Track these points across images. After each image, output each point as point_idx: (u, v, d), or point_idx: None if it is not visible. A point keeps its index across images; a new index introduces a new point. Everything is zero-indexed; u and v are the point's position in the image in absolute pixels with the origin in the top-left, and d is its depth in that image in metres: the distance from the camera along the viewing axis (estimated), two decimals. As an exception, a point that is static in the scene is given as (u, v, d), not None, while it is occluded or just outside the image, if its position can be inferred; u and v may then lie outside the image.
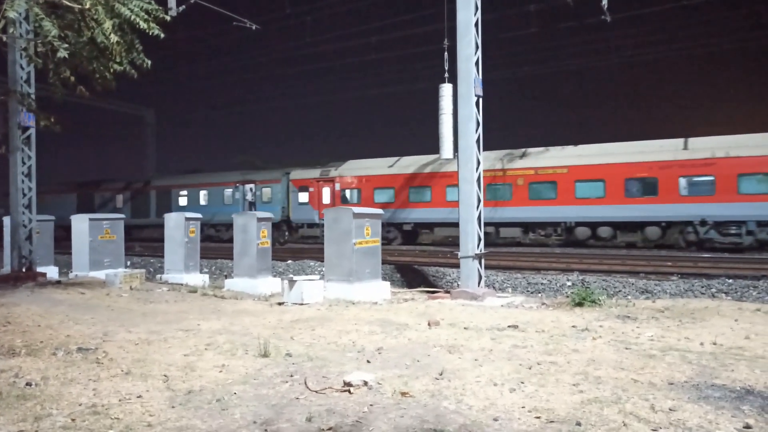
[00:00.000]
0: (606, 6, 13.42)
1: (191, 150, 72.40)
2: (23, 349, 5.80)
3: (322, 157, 34.46)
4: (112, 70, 7.32)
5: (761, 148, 18.43)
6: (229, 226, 28.74)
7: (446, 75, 11.75)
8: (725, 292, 11.43)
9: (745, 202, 18.33)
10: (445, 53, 11.72)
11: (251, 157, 44.77)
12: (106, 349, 5.88)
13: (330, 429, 3.63)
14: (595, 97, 66.40)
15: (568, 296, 9.76)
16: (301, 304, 9.25)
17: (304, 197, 27.19)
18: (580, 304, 8.46)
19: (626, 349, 5.66)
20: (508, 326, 6.97)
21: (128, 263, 17.88)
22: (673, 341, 5.99)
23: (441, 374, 4.81)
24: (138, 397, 4.30)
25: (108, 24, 6.52)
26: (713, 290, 11.61)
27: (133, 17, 6.73)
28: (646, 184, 19.86)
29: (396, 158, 25.61)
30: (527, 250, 21.40)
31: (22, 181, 12.90)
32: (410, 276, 15.50)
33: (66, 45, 6.66)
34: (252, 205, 28.49)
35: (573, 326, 6.89)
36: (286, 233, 28.50)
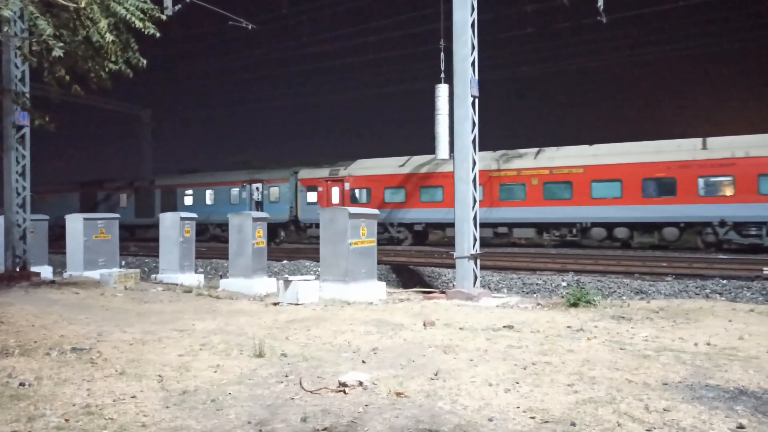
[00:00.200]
0: (602, 7, 13.47)
1: (188, 149, 72.27)
2: (17, 349, 5.78)
3: (320, 157, 34.33)
4: (107, 70, 7.31)
5: None
6: None
7: (443, 75, 11.77)
8: (719, 293, 11.48)
9: (766, 202, 18.03)
10: (442, 53, 11.74)
11: (248, 156, 44.68)
12: (101, 349, 5.86)
13: (325, 429, 3.63)
14: (595, 97, 66.67)
15: (563, 297, 9.78)
16: (297, 304, 9.23)
17: (312, 197, 26.83)
18: (575, 305, 8.48)
19: (621, 349, 5.68)
20: (504, 326, 6.98)
21: (123, 263, 17.83)
22: (667, 341, 6.01)
23: (436, 374, 4.81)
24: (132, 397, 4.29)
25: (103, 23, 6.51)
26: (707, 291, 11.66)
27: (128, 16, 6.72)
28: (664, 185, 19.51)
29: (407, 157, 25.31)
30: (523, 250, 21.43)
31: (17, 180, 12.84)
32: (406, 276, 15.51)
33: (61, 44, 6.64)
34: (259, 205, 28.13)
35: (568, 327, 6.91)
36: (282, 234, 28.33)
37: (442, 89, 11.67)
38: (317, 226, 28.66)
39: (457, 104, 10.45)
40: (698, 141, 19.94)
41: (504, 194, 22.11)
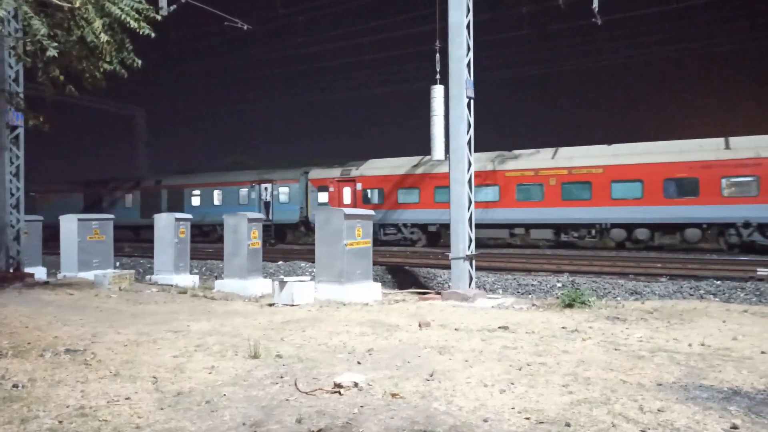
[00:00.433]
0: (597, 9, 13.53)
1: (184, 149, 72.08)
2: (10, 351, 5.74)
3: (318, 157, 34.19)
4: (102, 70, 7.28)
5: None
6: None
7: (438, 76, 11.80)
8: (713, 294, 11.52)
9: None
10: (437, 55, 11.76)
11: (242, 156, 44.62)
12: (95, 350, 5.84)
13: (320, 430, 3.62)
14: (594, 97, 66.92)
15: (558, 297, 9.80)
16: (292, 305, 9.22)
17: (323, 197, 26.45)
18: (570, 306, 8.50)
19: (615, 350, 5.70)
20: (499, 327, 6.99)
21: (117, 264, 17.75)
22: (661, 342, 6.03)
23: (431, 375, 4.82)
24: (126, 398, 4.27)
25: (98, 23, 6.49)
26: (701, 292, 11.71)
27: (123, 16, 6.70)
28: (687, 185, 19.21)
29: (420, 157, 24.96)
30: (518, 251, 21.46)
31: (10, 181, 12.78)
32: (401, 277, 15.51)
33: (55, 44, 6.61)
34: (268, 206, 27.86)
35: (563, 327, 6.92)
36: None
37: (437, 90, 11.70)
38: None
39: (452, 105, 10.46)
40: (720, 141, 19.66)
41: (521, 194, 21.77)
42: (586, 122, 61.74)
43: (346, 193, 25.97)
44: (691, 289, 11.91)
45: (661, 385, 4.50)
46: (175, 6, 13.82)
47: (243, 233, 12.09)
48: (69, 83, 7.77)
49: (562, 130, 60.10)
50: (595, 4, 13.37)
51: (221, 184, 29.96)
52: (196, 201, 30.41)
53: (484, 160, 22.57)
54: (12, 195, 12.83)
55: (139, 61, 7.47)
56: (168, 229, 13.65)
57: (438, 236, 24.32)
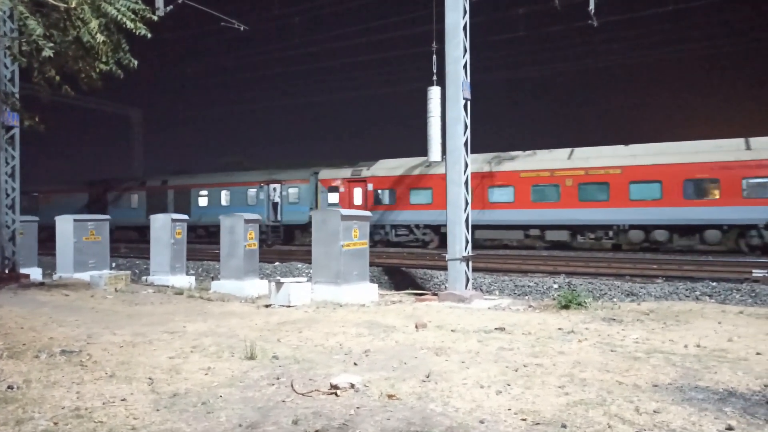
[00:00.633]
0: (593, 11, 13.57)
1: (180, 150, 71.95)
2: (5, 352, 5.72)
3: (313, 158, 34.02)
4: (98, 70, 7.27)
5: None
6: None
7: (434, 78, 11.81)
8: (709, 295, 11.56)
9: None
10: (434, 56, 11.77)
11: (239, 157, 44.52)
12: (90, 351, 5.82)
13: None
14: (593, 98, 67.11)
15: (554, 299, 9.81)
16: (288, 306, 9.21)
17: (333, 198, 26.17)
18: (566, 307, 8.52)
19: (611, 351, 5.71)
20: (495, 328, 7.00)
21: (113, 265, 17.70)
22: (657, 343, 6.05)
23: (428, 376, 4.82)
24: (122, 400, 4.26)
25: (94, 23, 6.47)
26: (697, 293, 11.74)
27: (119, 17, 6.69)
28: (707, 186, 19.05)
29: None
30: (515, 252, 21.47)
31: (6, 182, 12.74)
32: (398, 278, 15.50)
33: (51, 44, 6.60)
34: (276, 206, 27.61)
35: (559, 328, 6.93)
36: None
37: (434, 91, 11.71)
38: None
39: (449, 106, 10.47)
40: (740, 141, 19.50)
41: (536, 195, 21.55)
42: (586, 123, 61.96)
43: (357, 194, 25.69)
44: (686, 290, 11.94)
45: (656, 386, 4.51)
46: (171, 6, 13.80)
47: (240, 234, 12.07)
48: (65, 83, 7.76)
49: (561, 131, 60.30)
50: (591, 6, 13.42)
51: (229, 185, 29.62)
52: (203, 201, 30.08)
53: (499, 160, 22.39)
54: (7, 195, 12.79)
55: (135, 62, 7.46)
56: (164, 229, 13.62)
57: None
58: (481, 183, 22.51)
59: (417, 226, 24.15)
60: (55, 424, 3.77)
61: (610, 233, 20.72)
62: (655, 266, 15.60)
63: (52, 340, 6.39)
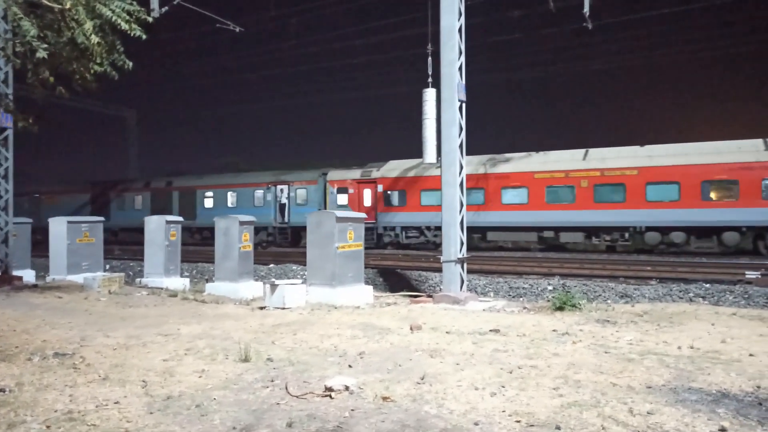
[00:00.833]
0: (588, 14, 13.63)
1: (175, 151, 71.73)
2: (-2, 355, 5.69)
3: (310, 159, 33.83)
4: (92, 71, 7.23)
5: None
6: (260, 229, 27.39)
7: (430, 80, 11.82)
8: (702, 297, 11.60)
9: None
10: (429, 58, 11.79)
11: (235, 159, 44.42)
12: (84, 354, 5.79)
13: (310, 434, 3.61)
14: (593, 99, 67.31)
15: (549, 300, 9.84)
16: (283, 308, 9.20)
17: (343, 199, 25.94)
18: (560, 308, 8.54)
19: (605, 352, 5.72)
20: (490, 330, 7.01)
21: (107, 267, 17.63)
22: (651, 345, 6.07)
23: (422, 378, 4.82)
24: (115, 403, 4.24)
25: (89, 24, 6.44)
26: (691, 295, 11.79)
27: (114, 18, 6.66)
28: (726, 187, 18.86)
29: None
30: (509, 254, 21.50)
31: (-1, 183, 12.68)
32: (393, 280, 15.50)
33: (45, 45, 6.57)
34: (283, 207, 27.34)
35: (554, 330, 6.95)
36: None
37: (429, 93, 11.72)
38: (350, 229, 27.31)
39: (444, 108, 10.49)
40: (759, 142, 19.37)
41: (551, 197, 21.40)
42: (585, 123, 62.17)
43: (367, 195, 25.49)
44: (680, 292, 11.99)
45: (650, 387, 4.52)
46: (167, 8, 13.78)
47: (234, 236, 12.05)
48: (59, 85, 7.72)
49: (561, 132, 60.45)
50: (586, 9, 13.48)
51: (235, 186, 29.28)
52: (209, 203, 29.72)
53: (515, 161, 22.23)
54: (0, 197, 12.72)
55: (130, 63, 7.43)
56: (158, 231, 13.57)
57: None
58: (494, 183, 22.38)
59: (428, 228, 23.93)
60: (48, 427, 3.75)
61: (626, 235, 20.52)
62: (649, 268, 15.66)
63: (44, 342, 6.36)
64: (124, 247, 27.21)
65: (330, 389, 4.45)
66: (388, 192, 25.01)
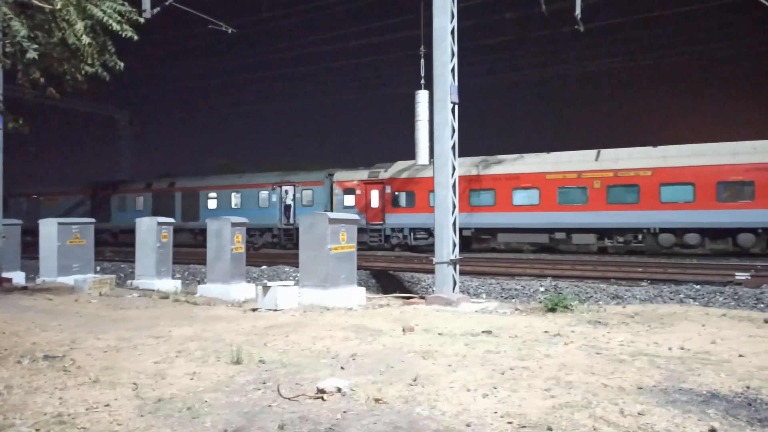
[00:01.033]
0: (579, 16, 13.70)
1: (168, 152, 71.44)
2: (-14, 357, 5.64)
3: (309, 161, 33.69)
4: (83, 72, 7.20)
5: None
6: (265, 230, 27.46)
7: (422, 81, 11.84)
8: (693, 298, 11.69)
9: None
10: (422, 60, 11.82)
11: (228, 160, 44.29)
12: (74, 356, 5.75)
13: (302, 436, 3.61)
14: (591, 100, 67.62)
15: (541, 302, 9.87)
16: (275, 310, 9.17)
17: (349, 200, 25.70)
18: (552, 310, 8.57)
19: (597, 354, 5.75)
20: (482, 332, 7.02)
21: (98, 269, 17.52)
22: (642, 346, 6.10)
23: (415, 380, 4.82)
24: (106, 405, 4.21)
25: (80, 25, 6.41)
26: (681, 296, 11.87)
27: (105, 18, 6.63)
28: (742, 188, 18.75)
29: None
30: (502, 256, 21.55)
31: (-12, 184, 12.57)
32: (385, 281, 15.51)
33: (36, 46, 6.53)
34: (288, 209, 27.10)
35: (545, 331, 6.97)
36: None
37: (421, 95, 11.74)
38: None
39: (437, 110, 10.51)
40: None
41: (563, 198, 21.28)
42: (585, 124, 62.46)
43: (374, 196, 25.24)
44: (671, 293, 12.07)
45: (641, 388, 4.55)
46: (158, 8, 13.72)
47: (226, 238, 12.01)
48: (50, 85, 7.68)
49: (561, 133, 60.68)
50: (578, 11, 13.54)
51: (239, 187, 28.97)
52: (212, 204, 29.37)
53: (525, 162, 22.13)
54: (-10, 198, 12.61)
55: (122, 64, 7.40)
56: (150, 233, 13.50)
57: (470, 241, 23.27)
58: (505, 184, 22.25)
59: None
60: (37, 430, 3.72)
61: (640, 236, 20.40)
62: (640, 269, 15.76)
63: (34, 345, 6.31)
64: (115, 248, 27.06)
65: (322, 391, 4.44)
66: (396, 193, 24.76)
